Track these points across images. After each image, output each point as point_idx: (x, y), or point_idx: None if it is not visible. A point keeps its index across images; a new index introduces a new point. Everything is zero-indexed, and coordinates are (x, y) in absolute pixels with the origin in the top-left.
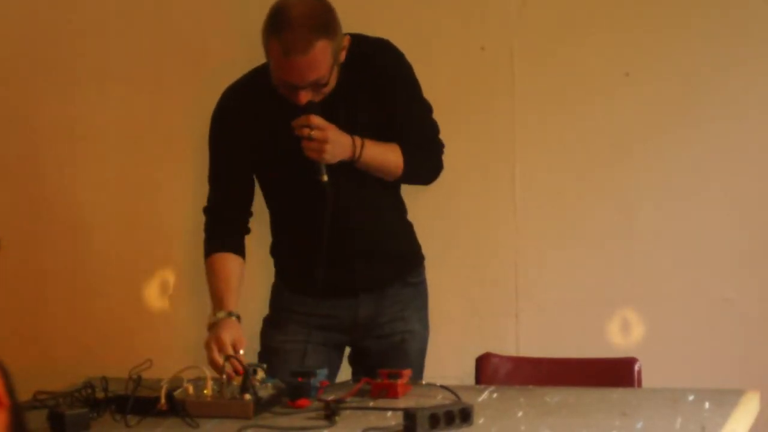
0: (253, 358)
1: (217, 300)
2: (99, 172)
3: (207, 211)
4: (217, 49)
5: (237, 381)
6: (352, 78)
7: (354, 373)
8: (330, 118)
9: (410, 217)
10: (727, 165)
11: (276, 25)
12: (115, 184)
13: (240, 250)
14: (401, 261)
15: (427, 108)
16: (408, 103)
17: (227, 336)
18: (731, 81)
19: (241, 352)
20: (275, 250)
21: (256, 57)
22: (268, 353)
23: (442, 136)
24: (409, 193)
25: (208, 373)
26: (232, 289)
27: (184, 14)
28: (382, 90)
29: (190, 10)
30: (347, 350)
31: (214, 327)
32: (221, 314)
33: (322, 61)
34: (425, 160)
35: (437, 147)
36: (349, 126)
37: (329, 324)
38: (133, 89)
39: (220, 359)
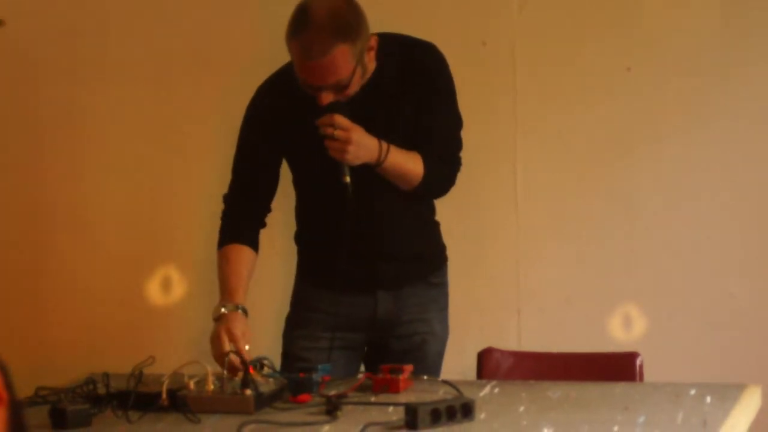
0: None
1: (227, 291)
2: (99, 171)
3: (227, 198)
4: (221, 47)
5: (239, 377)
6: (392, 78)
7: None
8: (366, 117)
9: None
10: (729, 160)
11: (297, 27)
12: (115, 181)
13: (255, 244)
14: (423, 261)
15: (458, 122)
16: (442, 112)
17: (238, 329)
18: (733, 76)
19: (247, 347)
20: (299, 239)
21: (259, 56)
22: (290, 360)
23: None
24: None
25: (209, 368)
26: (243, 282)
27: (189, 13)
28: (421, 93)
29: (194, 9)
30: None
31: (222, 319)
32: (230, 306)
33: (342, 65)
34: (443, 176)
35: (456, 165)
36: (384, 127)
37: (349, 323)
38: (135, 87)
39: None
